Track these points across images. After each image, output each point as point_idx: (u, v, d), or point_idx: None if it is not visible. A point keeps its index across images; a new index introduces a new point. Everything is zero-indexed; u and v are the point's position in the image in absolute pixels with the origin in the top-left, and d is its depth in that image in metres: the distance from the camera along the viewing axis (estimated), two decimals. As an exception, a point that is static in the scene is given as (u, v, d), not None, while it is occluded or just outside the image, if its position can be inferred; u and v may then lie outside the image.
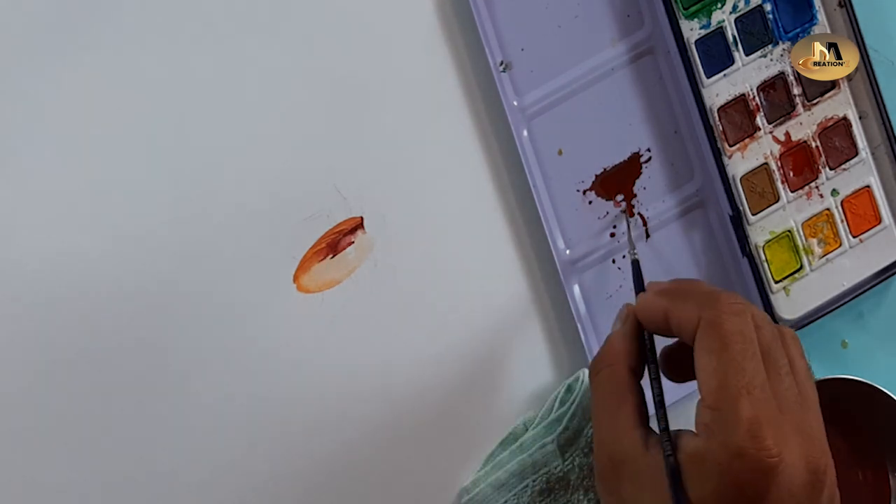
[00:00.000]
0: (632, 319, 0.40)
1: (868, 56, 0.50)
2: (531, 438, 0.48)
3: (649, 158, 0.50)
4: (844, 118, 0.51)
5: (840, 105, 0.51)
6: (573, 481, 0.47)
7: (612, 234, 0.50)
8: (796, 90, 0.50)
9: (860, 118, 0.51)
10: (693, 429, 0.36)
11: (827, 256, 0.51)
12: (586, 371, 0.48)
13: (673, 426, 0.37)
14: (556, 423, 0.47)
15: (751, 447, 0.33)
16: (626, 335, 0.39)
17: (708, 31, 0.49)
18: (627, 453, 0.36)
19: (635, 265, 0.43)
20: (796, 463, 0.34)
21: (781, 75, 0.50)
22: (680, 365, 0.39)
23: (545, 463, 0.47)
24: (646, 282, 0.42)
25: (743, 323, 0.35)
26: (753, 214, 0.50)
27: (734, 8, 0.49)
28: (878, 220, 0.51)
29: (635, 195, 0.50)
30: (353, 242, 0.48)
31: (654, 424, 0.37)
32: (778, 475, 0.33)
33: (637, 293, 0.42)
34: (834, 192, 0.51)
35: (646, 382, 0.39)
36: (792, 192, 0.50)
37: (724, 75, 0.49)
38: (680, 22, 0.49)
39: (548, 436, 0.47)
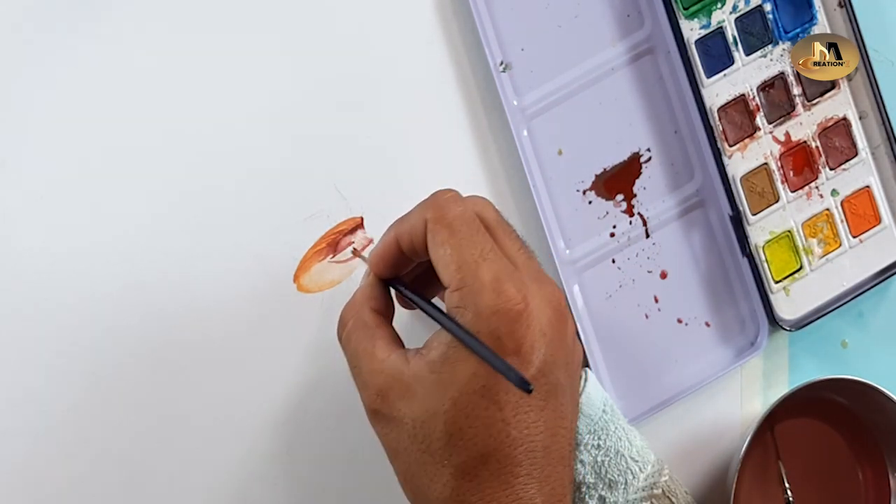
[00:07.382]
0: (370, 274, 0.41)
1: (868, 56, 0.50)
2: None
3: (649, 158, 0.50)
4: (844, 118, 0.51)
5: (840, 105, 0.51)
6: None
7: (612, 234, 0.50)
8: (796, 90, 0.50)
9: (860, 118, 0.51)
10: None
11: (827, 256, 0.51)
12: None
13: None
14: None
15: (499, 302, 0.36)
16: (366, 286, 0.41)
17: (708, 31, 0.49)
18: (393, 375, 0.37)
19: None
20: (540, 304, 0.37)
21: (781, 75, 0.50)
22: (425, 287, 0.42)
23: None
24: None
25: (462, 208, 0.38)
26: (753, 214, 0.50)
27: (734, 8, 0.49)
28: (878, 220, 0.51)
29: (635, 195, 0.50)
30: (353, 242, 0.48)
31: None
32: (528, 318, 0.36)
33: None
34: (834, 193, 0.51)
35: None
36: (792, 192, 0.50)
37: (724, 75, 0.49)
38: (680, 22, 0.49)
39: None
